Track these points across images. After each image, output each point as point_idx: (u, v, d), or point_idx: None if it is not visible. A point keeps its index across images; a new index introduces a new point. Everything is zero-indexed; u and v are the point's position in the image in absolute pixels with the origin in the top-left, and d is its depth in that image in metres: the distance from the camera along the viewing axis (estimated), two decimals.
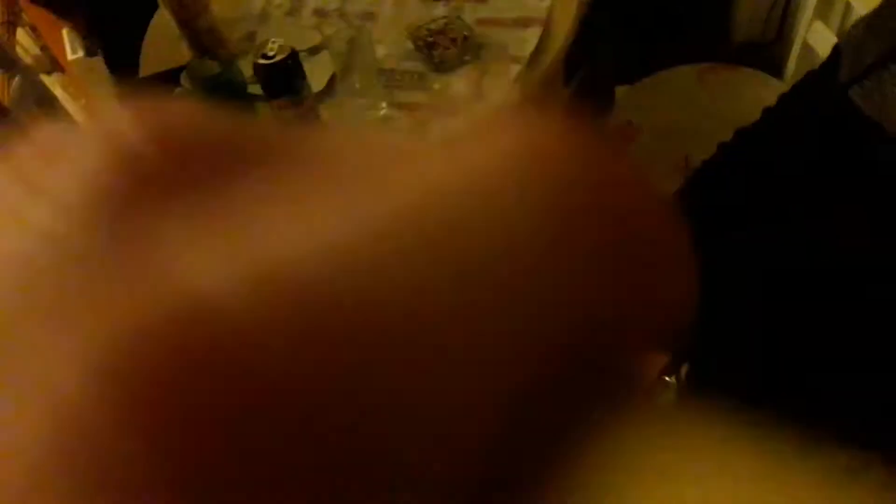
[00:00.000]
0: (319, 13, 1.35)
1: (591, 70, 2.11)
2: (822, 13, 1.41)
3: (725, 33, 1.96)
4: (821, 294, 0.85)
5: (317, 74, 1.18)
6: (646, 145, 1.46)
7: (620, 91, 1.61)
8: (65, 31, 1.32)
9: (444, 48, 1.17)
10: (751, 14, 1.94)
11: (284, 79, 1.04)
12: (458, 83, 1.16)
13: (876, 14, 0.85)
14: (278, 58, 1.00)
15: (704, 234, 0.76)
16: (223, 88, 1.13)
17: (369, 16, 1.31)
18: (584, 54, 1.93)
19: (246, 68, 1.16)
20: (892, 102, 0.79)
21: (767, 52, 1.88)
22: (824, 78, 0.90)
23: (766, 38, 1.94)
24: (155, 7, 1.29)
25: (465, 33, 1.19)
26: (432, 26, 1.20)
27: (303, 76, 1.05)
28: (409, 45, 1.21)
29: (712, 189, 1.02)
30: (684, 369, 0.90)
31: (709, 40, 1.93)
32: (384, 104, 1.15)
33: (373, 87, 1.17)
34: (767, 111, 1.00)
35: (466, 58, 1.18)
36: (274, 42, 1.01)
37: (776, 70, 1.59)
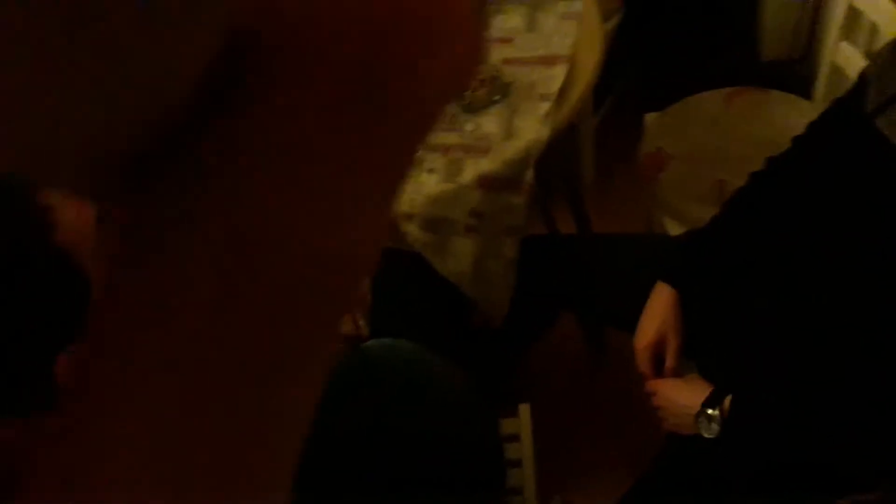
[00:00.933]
0: None
1: (618, 99, 2.13)
2: (848, 33, 1.41)
3: (752, 53, 1.97)
4: (857, 328, 0.85)
5: None
6: (678, 172, 1.47)
7: (649, 118, 1.63)
8: None
9: (473, 89, 1.21)
10: (777, 33, 1.94)
11: None
12: (489, 123, 1.19)
13: None
14: None
15: (740, 261, 0.78)
16: None
17: None
18: (611, 83, 1.95)
19: None
20: None
21: (795, 71, 1.88)
22: (851, 106, 0.91)
23: (793, 56, 1.93)
24: None
25: (494, 74, 1.23)
26: None
27: None
28: None
29: (745, 218, 1.03)
30: (727, 401, 0.90)
31: (736, 61, 1.93)
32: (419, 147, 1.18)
33: None
34: (797, 140, 1.01)
35: (496, 98, 1.21)
36: None
37: (804, 89, 1.59)
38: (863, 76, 0.90)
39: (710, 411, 0.90)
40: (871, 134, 0.84)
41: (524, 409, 1.25)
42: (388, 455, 0.53)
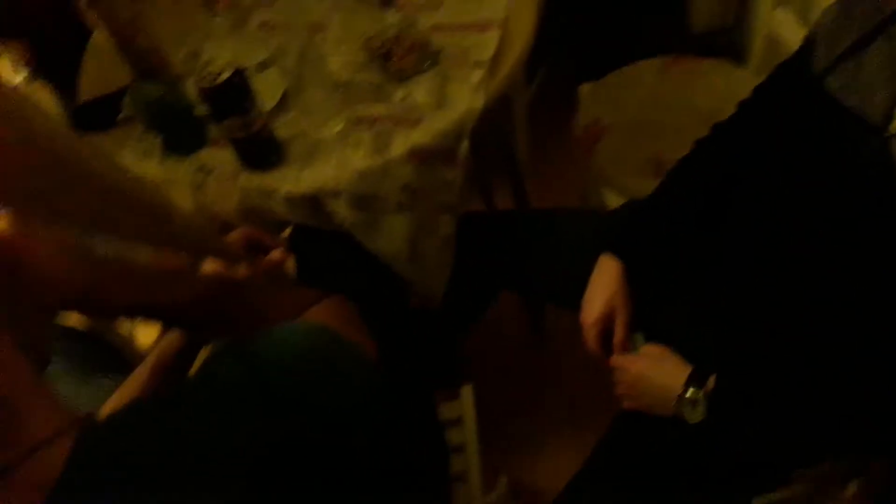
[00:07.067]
0: (266, 27, 1.29)
1: (552, 69, 2.08)
2: (781, 0, 1.39)
3: (684, 24, 1.94)
4: (810, 295, 0.82)
5: (268, 91, 1.12)
6: (615, 143, 1.43)
7: (584, 89, 1.57)
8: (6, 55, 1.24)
9: (400, 57, 1.12)
10: (706, 2, 1.92)
11: (232, 99, 0.97)
12: (419, 92, 1.11)
13: None
14: (223, 77, 0.94)
15: (687, 229, 0.72)
16: (168, 112, 1.06)
17: (318, 27, 1.25)
18: (543, 54, 1.90)
19: (191, 88, 1.10)
20: (872, 87, 0.75)
21: (728, 39, 1.87)
22: (798, 68, 0.87)
23: (725, 25, 1.92)
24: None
25: (422, 40, 1.14)
26: (386, 35, 1.15)
27: (251, 95, 0.99)
28: (364, 57, 1.16)
29: (691, 185, 0.98)
30: (711, 381, 0.85)
31: (668, 31, 1.91)
32: (341, 118, 1.09)
33: (328, 102, 1.11)
34: (743, 105, 0.97)
35: (426, 65, 1.13)
36: (218, 60, 0.95)
37: (738, 57, 1.57)
38: (809, 37, 0.86)
39: (692, 393, 0.85)
40: (820, 95, 0.80)
41: (466, 391, 1.19)
42: (307, 457, 0.47)
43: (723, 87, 1.47)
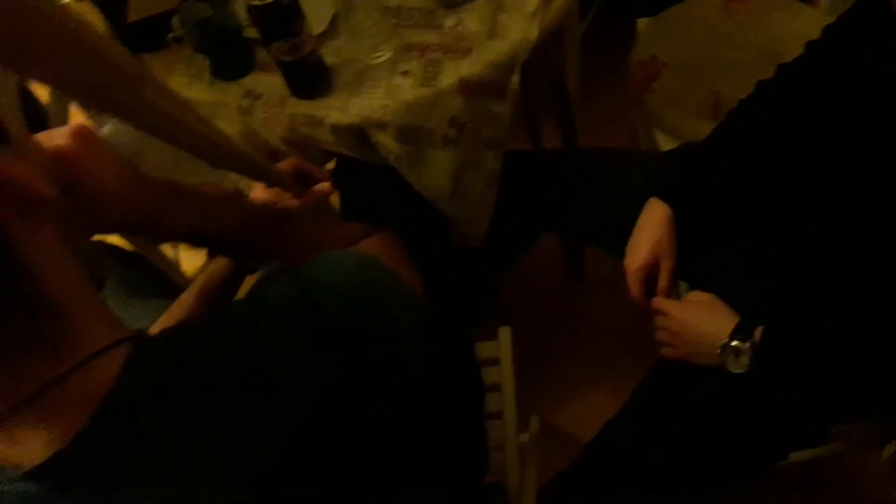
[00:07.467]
0: None
1: (608, 1, 1.99)
2: None
3: None
4: (882, 247, 0.78)
5: (317, 15, 1.09)
6: (671, 82, 1.37)
7: (642, 24, 1.51)
8: None
9: None
10: None
11: (281, 21, 0.95)
12: (471, 20, 1.07)
13: None
14: None
15: (742, 181, 0.68)
16: (216, 33, 1.05)
17: None
18: None
19: (241, 10, 1.07)
20: None
21: None
22: (876, 7, 0.81)
23: None
24: None
25: None
26: None
27: (301, 17, 0.97)
28: None
29: (752, 130, 0.94)
30: (758, 332, 0.83)
31: None
32: (391, 45, 1.06)
33: (378, 28, 1.08)
34: (812, 46, 0.91)
35: None
36: None
37: None
38: None
39: (737, 343, 0.83)
40: None
41: (504, 332, 1.18)
42: (351, 383, 0.47)
43: (789, 26, 1.39)
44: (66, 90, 0.42)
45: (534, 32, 1.04)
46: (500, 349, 1.17)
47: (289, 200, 0.78)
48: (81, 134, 0.53)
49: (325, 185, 0.79)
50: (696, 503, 0.97)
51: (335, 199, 0.90)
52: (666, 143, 1.34)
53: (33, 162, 0.44)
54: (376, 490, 0.50)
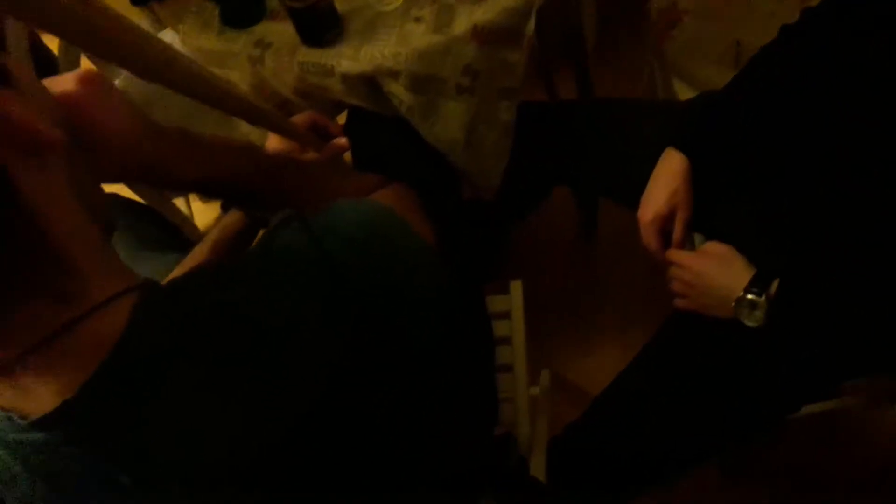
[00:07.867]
0: None
1: None
2: None
3: None
4: None
5: None
6: (692, 30, 1.33)
7: None
8: None
9: None
10: None
11: None
12: None
13: None
14: None
15: (762, 132, 0.66)
16: None
17: None
18: None
19: None
20: None
21: None
22: None
23: None
24: None
25: None
26: None
27: None
28: None
29: (774, 77, 0.91)
30: (775, 285, 0.82)
31: None
32: None
33: None
34: None
35: None
36: None
37: None
38: None
39: (753, 296, 0.82)
40: None
41: (515, 286, 1.18)
42: (360, 334, 0.47)
43: None
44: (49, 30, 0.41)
45: None
46: (511, 303, 1.17)
47: (306, 154, 0.77)
48: (89, 78, 0.52)
49: (343, 140, 0.78)
50: (704, 454, 0.98)
51: (347, 153, 0.89)
52: (685, 93, 1.31)
53: (40, 105, 0.44)
54: (387, 447, 0.50)
